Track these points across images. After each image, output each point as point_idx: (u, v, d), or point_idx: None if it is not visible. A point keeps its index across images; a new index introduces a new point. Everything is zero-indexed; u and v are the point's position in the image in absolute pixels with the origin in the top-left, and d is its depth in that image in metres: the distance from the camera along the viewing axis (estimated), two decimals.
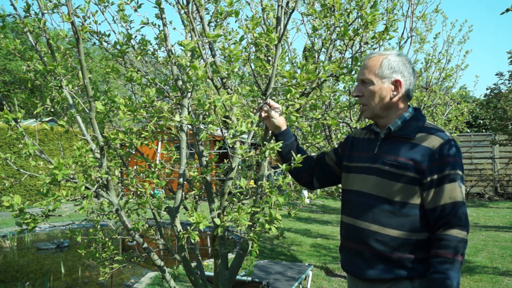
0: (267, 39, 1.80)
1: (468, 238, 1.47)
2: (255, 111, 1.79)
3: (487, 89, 12.58)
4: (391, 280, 1.52)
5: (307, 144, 2.84)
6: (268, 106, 1.78)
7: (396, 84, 1.57)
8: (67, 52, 2.07)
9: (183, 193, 2.15)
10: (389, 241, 1.51)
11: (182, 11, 2.18)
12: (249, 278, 3.31)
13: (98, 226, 2.28)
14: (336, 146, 4.55)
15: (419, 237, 1.51)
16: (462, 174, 1.50)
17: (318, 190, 2.06)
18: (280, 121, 1.80)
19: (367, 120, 4.43)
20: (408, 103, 1.65)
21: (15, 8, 1.86)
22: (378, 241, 1.53)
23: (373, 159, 1.61)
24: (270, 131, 1.87)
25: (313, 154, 3.80)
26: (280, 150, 1.76)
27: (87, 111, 1.82)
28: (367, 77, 1.59)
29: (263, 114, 1.79)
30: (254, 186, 2.09)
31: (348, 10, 2.34)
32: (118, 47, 2.13)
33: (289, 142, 1.81)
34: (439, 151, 1.48)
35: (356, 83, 1.69)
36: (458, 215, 1.45)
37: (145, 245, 2.07)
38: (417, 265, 1.50)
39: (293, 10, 1.82)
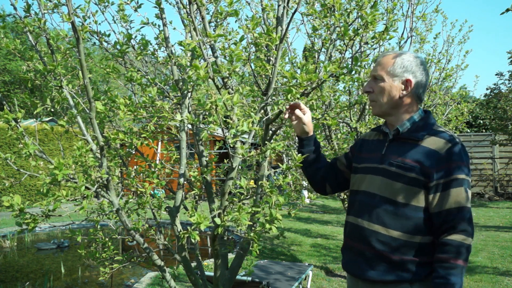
0: (268, 39, 1.80)
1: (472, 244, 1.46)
2: (285, 111, 1.79)
3: (487, 89, 12.59)
4: (391, 282, 1.51)
5: None
6: (299, 110, 1.78)
7: (407, 83, 1.58)
8: (67, 52, 2.07)
9: (183, 193, 2.15)
10: (390, 242, 1.51)
11: (183, 11, 2.18)
12: (249, 278, 3.31)
13: (98, 226, 2.28)
14: (345, 150, 4.56)
15: (422, 240, 1.50)
16: (469, 179, 1.48)
17: None
18: (310, 126, 1.81)
19: (367, 120, 4.43)
20: (419, 105, 1.64)
21: (15, 8, 1.86)
22: (379, 241, 1.53)
23: (380, 160, 1.61)
24: (296, 135, 1.88)
25: None
26: (302, 160, 1.76)
27: (87, 111, 1.82)
28: (379, 74, 1.60)
29: (294, 119, 1.79)
30: (254, 186, 2.09)
31: (348, 10, 2.33)
32: (118, 47, 2.12)
33: (315, 147, 1.84)
34: (446, 154, 1.47)
35: (368, 80, 1.69)
36: (463, 220, 1.43)
37: (145, 245, 2.07)
38: (419, 269, 1.49)
39: (295, 10, 1.82)
